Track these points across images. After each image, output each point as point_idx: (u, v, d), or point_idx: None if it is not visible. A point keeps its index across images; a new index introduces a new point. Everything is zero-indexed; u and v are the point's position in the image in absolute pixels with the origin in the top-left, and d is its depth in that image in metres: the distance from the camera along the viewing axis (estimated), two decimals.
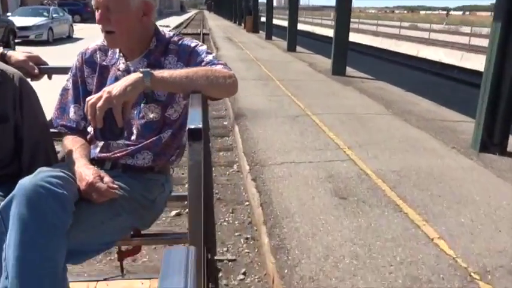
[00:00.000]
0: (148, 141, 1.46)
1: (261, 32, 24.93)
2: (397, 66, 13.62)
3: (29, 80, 1.52)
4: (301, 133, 5.02)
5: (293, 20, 14.76)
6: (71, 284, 1.24)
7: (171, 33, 1.55)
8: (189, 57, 1.47)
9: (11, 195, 1.10)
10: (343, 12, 9.41)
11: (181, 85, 1.29)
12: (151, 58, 1.48)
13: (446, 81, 10.83)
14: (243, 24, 30.96)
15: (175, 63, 1.47)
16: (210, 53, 1.48)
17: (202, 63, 1.42)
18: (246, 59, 12.45)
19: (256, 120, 5.55)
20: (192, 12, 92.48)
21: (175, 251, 0.93)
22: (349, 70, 9.84)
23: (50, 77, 1.72)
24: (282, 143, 4.61)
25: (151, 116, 1.46)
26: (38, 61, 1.66)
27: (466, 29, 32.15)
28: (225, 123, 6.31)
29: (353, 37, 23.83)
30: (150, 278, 1.85)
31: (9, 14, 18.23)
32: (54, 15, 17.66)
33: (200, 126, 1.00)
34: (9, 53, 1.60)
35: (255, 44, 17.72)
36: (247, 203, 3.68)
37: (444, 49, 21.18)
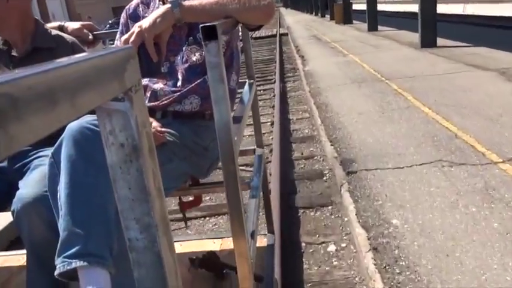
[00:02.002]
0: (193, 85, 1.47)
1: (354, 21, 18.96)
2: None
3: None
4: None
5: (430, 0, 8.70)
6: None
7: None
8: None
9: (60, 138, 1.13)
10: None
11: (211, 11, 1.24)
12: None
13: None
14: (327, 16, 25.21)
15: None
16: None
17: None
18: (361, 76, 6.69)
19: None
20: None
21: None
22: None
23: (104, 43, 1.88)
24: None
25: (194, 58, 1.49)
26: (91, 28, 1.73)
27: None
28: None
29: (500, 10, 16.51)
30: (221, 238, 1.86)
31: None
32: None
33: (215, 23, 0.86)
34: (66, 24, 1.71)
35: (358, 41, 11.76)
36: None
37: None
